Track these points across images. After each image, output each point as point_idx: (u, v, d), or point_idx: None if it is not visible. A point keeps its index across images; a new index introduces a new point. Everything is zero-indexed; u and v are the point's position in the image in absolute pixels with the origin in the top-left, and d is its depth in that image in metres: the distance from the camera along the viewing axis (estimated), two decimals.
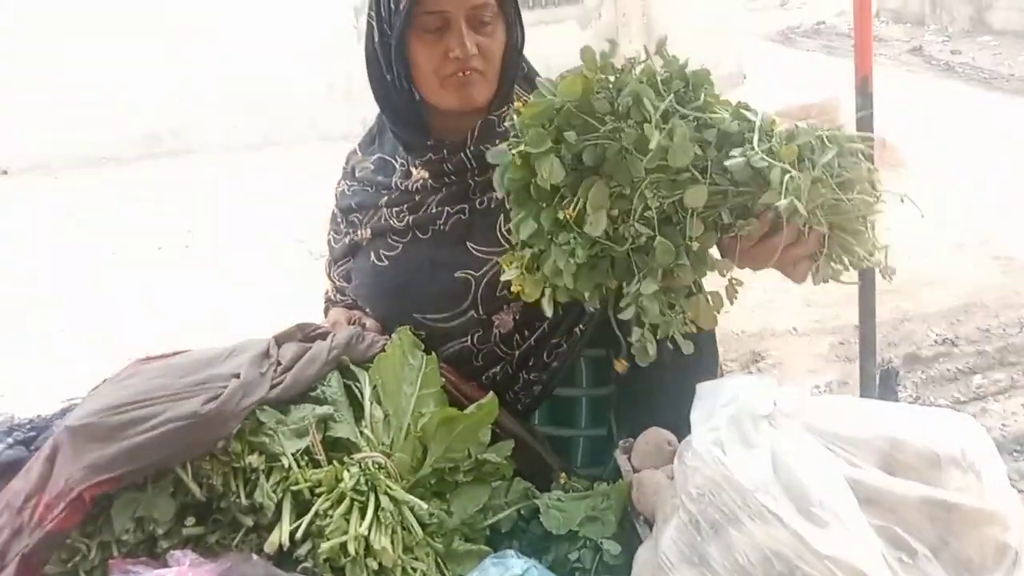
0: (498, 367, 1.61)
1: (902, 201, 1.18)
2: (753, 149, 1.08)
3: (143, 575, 1.07)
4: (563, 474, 1.47)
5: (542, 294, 1.24)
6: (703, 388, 1.10)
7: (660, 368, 1.58)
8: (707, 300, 1.20)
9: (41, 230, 7.49)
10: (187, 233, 7.05)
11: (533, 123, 1.17)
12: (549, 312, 1.29)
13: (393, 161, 1.65)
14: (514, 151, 1.17)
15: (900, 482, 0.98)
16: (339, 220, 1.73)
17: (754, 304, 4.41)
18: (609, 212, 1.15)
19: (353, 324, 1.61)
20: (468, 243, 1.55)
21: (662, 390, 1.59)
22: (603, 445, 1.67)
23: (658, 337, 1.16)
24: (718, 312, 1.21)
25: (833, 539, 0.91)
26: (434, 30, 1.46)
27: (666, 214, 1.13)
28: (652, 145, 1.08)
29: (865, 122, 2.40)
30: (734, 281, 1.21)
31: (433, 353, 1.46)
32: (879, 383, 2.72)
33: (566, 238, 1.17)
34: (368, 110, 1.69)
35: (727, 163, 1.09)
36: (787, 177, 1.06)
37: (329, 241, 1.76)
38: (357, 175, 1.70)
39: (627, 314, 1.18)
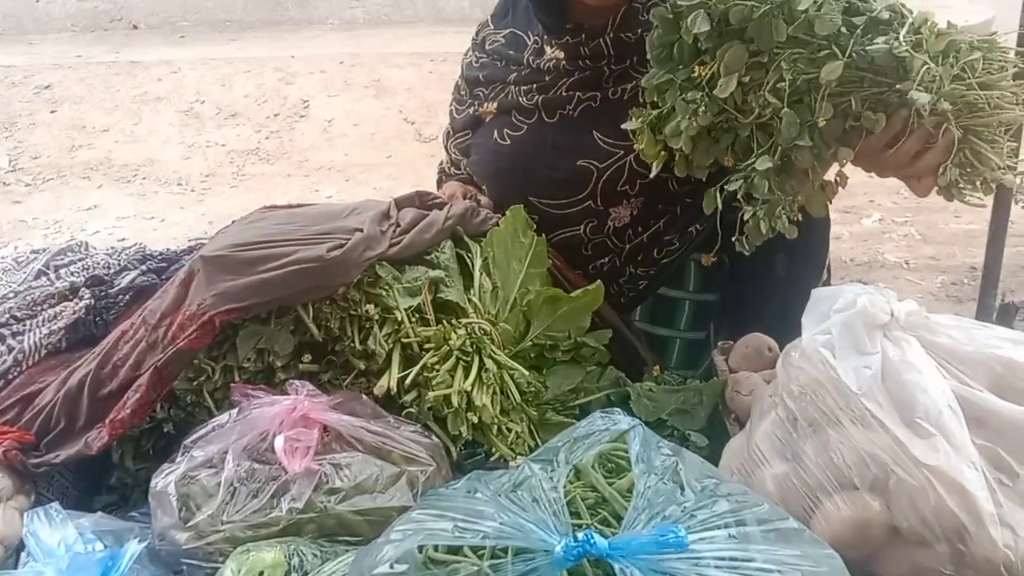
0: (606, 258, 1.62)
1: None
2: (898, 38, 1.06)
3: (262, 399, 1.14)
4: (656, 367, 1.49)
5: (657, 156, 1.27)
6: (819, 292, 1.08)
7: (771, 279, 1.58)
8: (820, 187, 1.20)
9: (165, 86, 7.72)
10: (302, 103, 7.17)
11: None
12: (654, 173, 1.31)
13: (526, 37, 1.61)
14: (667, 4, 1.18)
15: (1010, 406, 0.96)
16: (463, 91, 1.71)
17: (867, 233, 4.23)
18: (741, 78, 1.14)
19: (468, 199, 1.64)
20: (595, 132, 1.52)
21: (768, 301, 1.58)
22: (699, 350, 1.68)
23: (764, 216, 1.16)
24: (829, 201, 1.21)
25: (934, 451, 0.91)
26: None
27: (798, 91, 1.11)
28: (800, 7, 1.06)
29: None
30: (839, 177, 1.21)
31: (543, 235, 1.49)
32: (996, 318, 2.60)
33: (694, 96, 1.18)
34: None
35: (869, 48, 1.06)
36: (925, 68, 1.04)
37: (451, 111, 1.76)
38: (487, 47, 1.67)
39: (734, 186, 1.18)
